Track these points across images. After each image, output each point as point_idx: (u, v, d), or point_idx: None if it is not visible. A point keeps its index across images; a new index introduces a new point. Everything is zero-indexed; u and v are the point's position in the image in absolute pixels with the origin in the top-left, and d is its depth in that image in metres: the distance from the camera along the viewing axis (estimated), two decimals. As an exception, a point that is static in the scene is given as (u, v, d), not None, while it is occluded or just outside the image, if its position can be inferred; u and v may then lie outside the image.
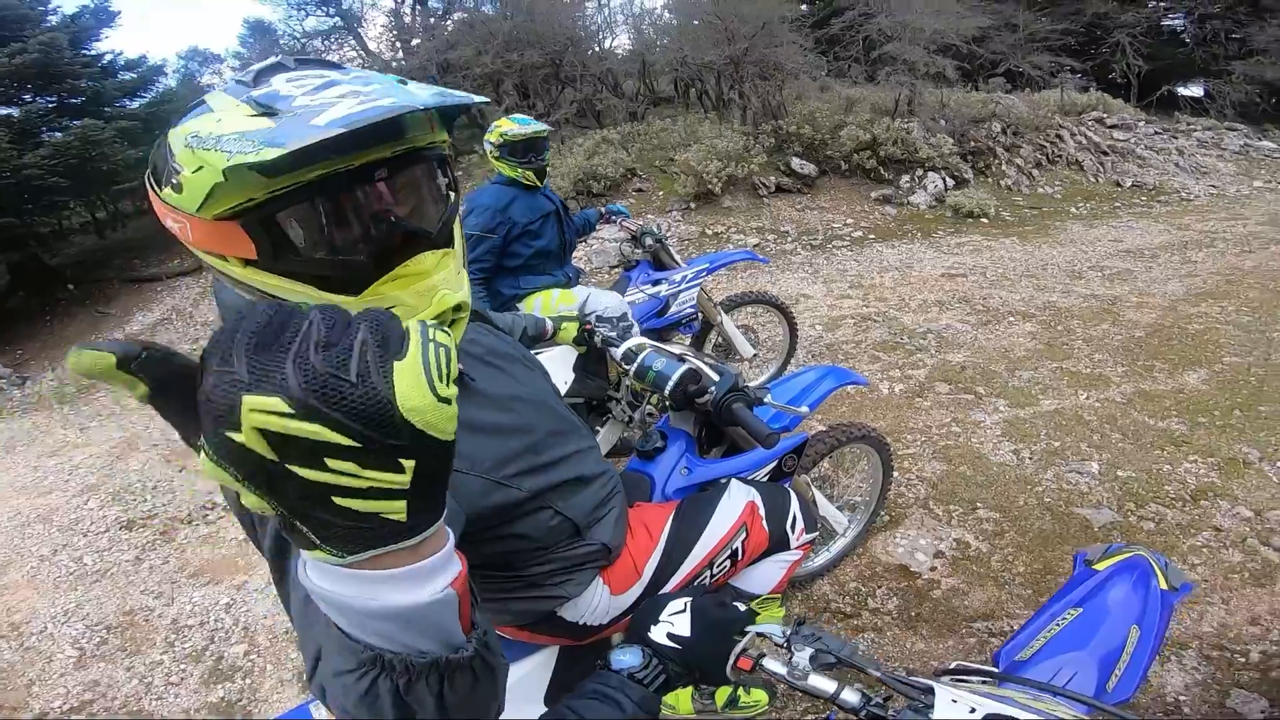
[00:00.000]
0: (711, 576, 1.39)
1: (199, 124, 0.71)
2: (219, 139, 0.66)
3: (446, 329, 0.43)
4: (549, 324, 1.75)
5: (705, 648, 0.90)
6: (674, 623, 0.93)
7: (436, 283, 0.78)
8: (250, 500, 0.40)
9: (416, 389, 0.39)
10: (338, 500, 0.40)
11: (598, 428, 2.08)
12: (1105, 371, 3.89)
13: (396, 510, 0.42)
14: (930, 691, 0.80)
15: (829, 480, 2.53)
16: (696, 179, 7.62)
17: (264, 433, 0.37)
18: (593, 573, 1.20)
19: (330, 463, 0.38)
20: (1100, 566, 1.22)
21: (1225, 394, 3.57)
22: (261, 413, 0.36)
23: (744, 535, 1.42)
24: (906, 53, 9.10)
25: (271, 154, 0.62)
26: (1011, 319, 4.79)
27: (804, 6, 13.78)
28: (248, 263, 0.74)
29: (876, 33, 9.83)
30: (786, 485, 1.68)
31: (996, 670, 1.06)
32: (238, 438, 0.37)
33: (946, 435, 3.23)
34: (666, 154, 8.54)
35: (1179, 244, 6.84)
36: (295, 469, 0.38)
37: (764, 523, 1.47)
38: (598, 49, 11.52)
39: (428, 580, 0.47)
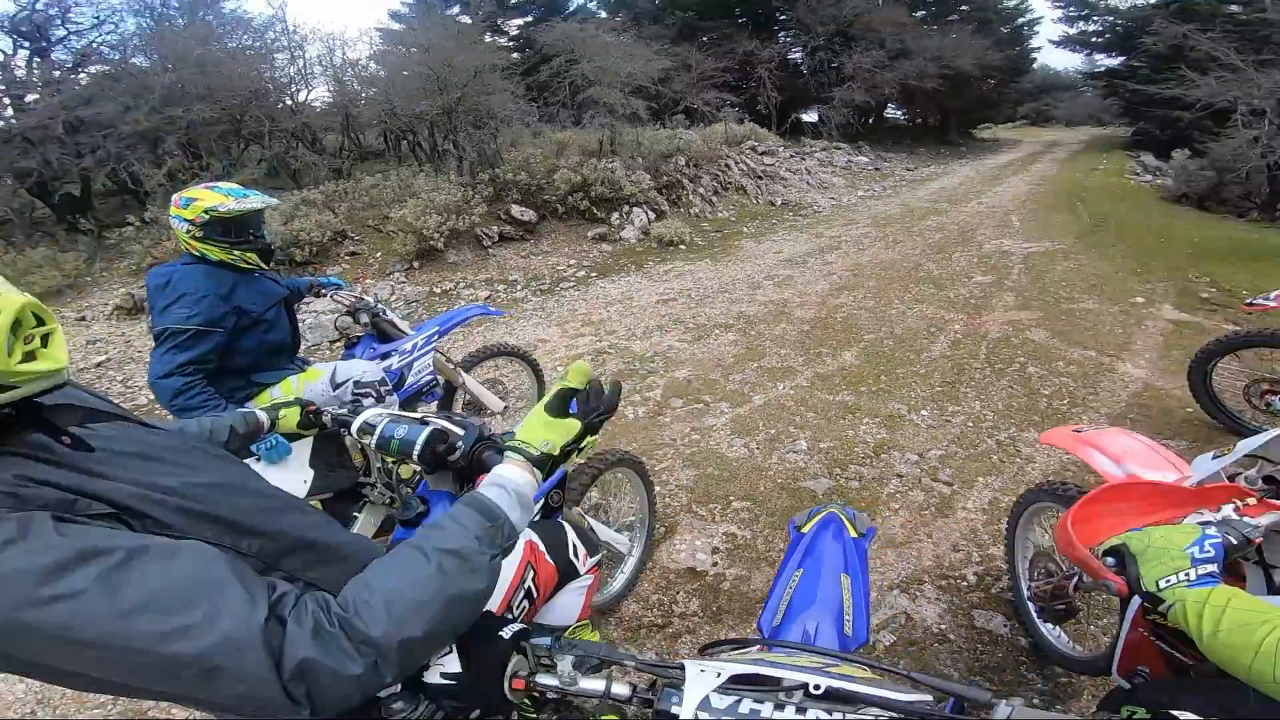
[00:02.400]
0: (515, 618, 1.47)
1: None
2: None
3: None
4: (262, 416, 1.55)
5: (479, 677, 0.95)
6: (444, 663, 0.97)
7: None
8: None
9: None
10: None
11: (355, 514, 1.97)
12: (790, 363, 4.82)
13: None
14: (681, 668, 0.91)
15: (601, 508, 2.75)
16: (416, 236, 7.42)
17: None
18: None
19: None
20: (806, 529, 1.50)
21: (872, 365, 4.69)
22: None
23: (532, 573, 1.51)
24: (606, 95, 10.10)
25: None
26: (717, 331, 5.62)
27: (515, 55, 14.33)
28: None
29: (580, 78, 10.74)
30: (559, 519, 1.81)
31: (764, 637, 1.26)
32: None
33: (690, 443, 3.71)
34: (380, 212, 8.19)
35: (818, 249, 8.66)
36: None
37: (547, 557, 1.58)
38: (290, 102, 10.57)
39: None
